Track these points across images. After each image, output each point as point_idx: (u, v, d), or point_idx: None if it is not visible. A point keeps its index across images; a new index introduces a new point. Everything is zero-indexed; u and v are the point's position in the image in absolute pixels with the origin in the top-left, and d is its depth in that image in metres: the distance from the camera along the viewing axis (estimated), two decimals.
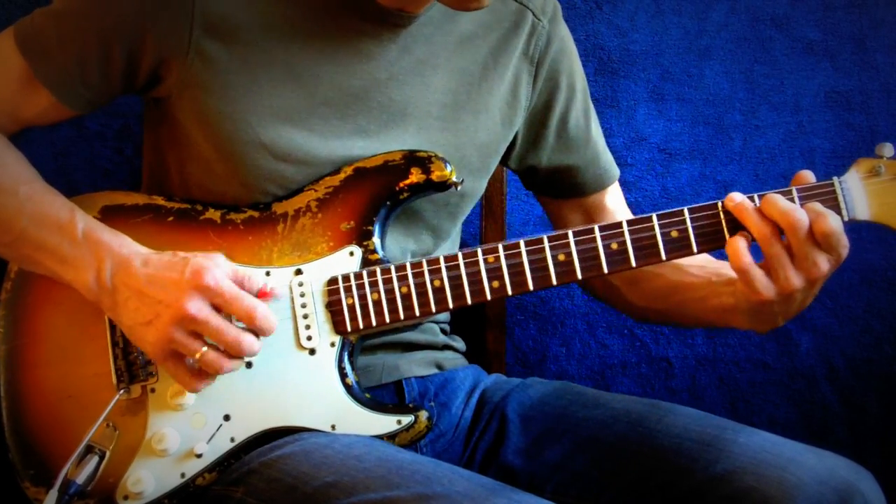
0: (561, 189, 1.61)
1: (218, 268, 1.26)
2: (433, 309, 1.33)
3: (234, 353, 1.26)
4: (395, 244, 1.43)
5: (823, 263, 1.23)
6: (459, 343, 1.60)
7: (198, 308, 1.24)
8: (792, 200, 1.27)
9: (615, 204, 1.64)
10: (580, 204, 1.62)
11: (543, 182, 1.61)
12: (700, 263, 1.44)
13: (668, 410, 1.42)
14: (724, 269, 1.40)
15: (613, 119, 2.04)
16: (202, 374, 1.27)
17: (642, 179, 2.05)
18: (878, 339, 2.07)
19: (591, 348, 2.08)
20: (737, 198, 1.27)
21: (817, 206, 1.24)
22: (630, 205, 2.03)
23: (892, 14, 2.04)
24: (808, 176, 1.29)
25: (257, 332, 1.27)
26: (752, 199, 1.28)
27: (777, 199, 1.25)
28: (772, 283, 1.25)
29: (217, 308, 1.25)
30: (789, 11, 2.04)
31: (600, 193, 1.62)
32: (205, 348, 1.25)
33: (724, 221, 1.29)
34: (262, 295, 1.29)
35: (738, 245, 1.25)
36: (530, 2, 1.50)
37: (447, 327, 1.58)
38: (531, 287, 1.32)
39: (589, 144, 1.59)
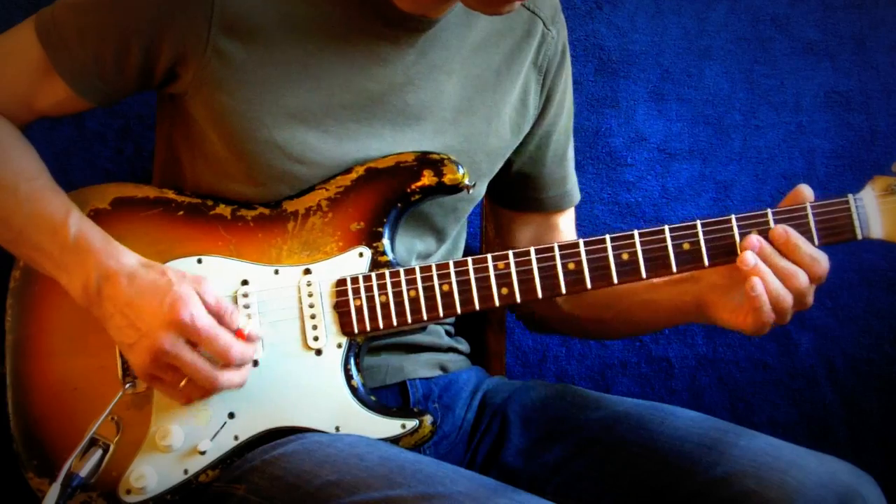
0: (520, 200, 1.60)
1: (197, 303, 1.24)
2: (441, 313, 1.33)
3: (209, 390, 1.26)
4: (402, 245, 1.42)
5: (811, 297, 1.29)
6: (463, 345, 1.60)
7: (171, 344, 1.23)
8: (806, 217, 1.28)
9: (567, 228, 1.63)
10: (534, 220, 1.61)
11: (506, 188, 1.59)
12: None
13: (668, 413, 1.42)
14: None
15: (613, 119, 2.04)
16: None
17: (642, 179, 2.05)
18: (878, 339, 2.08)
19: (591, 348, 2.08)
20: (750, 261, 1.26)
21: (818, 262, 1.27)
22: (630, 205, 2.05)
23: (892, 14, 2.04)
24: (806, 191, 1.30)
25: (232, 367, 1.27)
26: (765, 229, 1.29)
27: (798, 276, 1.26)
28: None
29: (193, 343, 1.25)
30: (789, 11, 2.04)
31: (557, 214, 1.61)
32: (184, 381, 1.25)
33: (737, 235, 1.29)
34: (239, 336, 1.26)
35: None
36: (541, 11, 1.50)
37: (451, 329, 1.58)
38: (540, 295, 1.32)
39: (563, 163, 1.60)
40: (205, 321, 1.24)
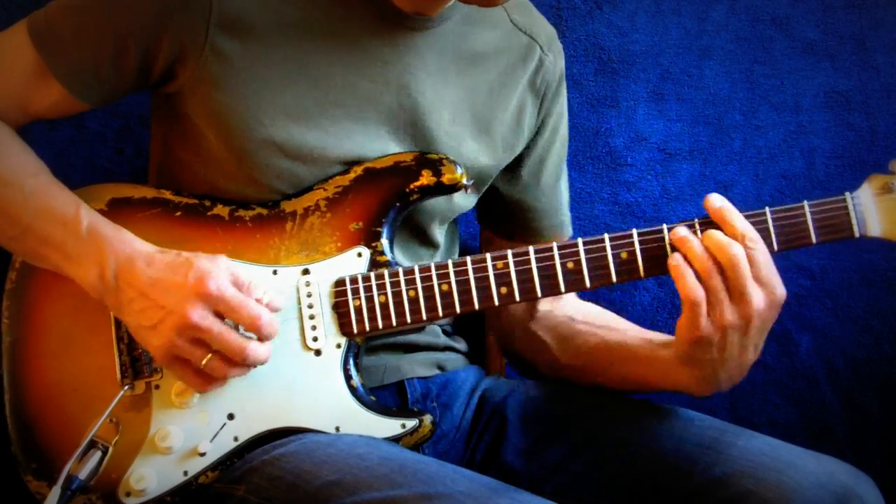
0: (516, 229, 1.59)
1: (221, 273, 1.25)
2: (440, 313, 1.33)
3: (238, 361, 1.26)
4: (399, 246, 1.42)
5: (759, 299, 1.25)
6: (461, 344, 1.59)
7: (201, 316, 1.23)
8: (803, 214, 1.29)
9: None
10: None
11: (502, 218, 1.59)
12: (635, 327, 1.48)
13: (667, 413, 1.42)
14: (661, 335, 1.42)
15: (613, 119, 2.04)
16: (209, 377, 1.28)
17: (642, 179, 2.05)
18: (878, 339, 2.08)
19: None
20: (681, 232, 1.28)
21: (750, 235, 1.26)
22: (630, 204, 2.05)
23: (892, 14, 2.04)
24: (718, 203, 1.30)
25: (261, 337, 1.27)
26: (694, 229, 1.29)
27: (715, 235, 1.26)
28: (708, 320, 1.26)
29: (220, 315, 1.25)
30: (789, 11, 2.04)
31: None
32: (209, 356, 1.25)
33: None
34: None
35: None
36: (538, 36, 1.51)
37: (449, 328, 1.58)
38: (539, 294, 1.32)
39: (555, 193, 1.60)
40: (233, 290, 1.25)
